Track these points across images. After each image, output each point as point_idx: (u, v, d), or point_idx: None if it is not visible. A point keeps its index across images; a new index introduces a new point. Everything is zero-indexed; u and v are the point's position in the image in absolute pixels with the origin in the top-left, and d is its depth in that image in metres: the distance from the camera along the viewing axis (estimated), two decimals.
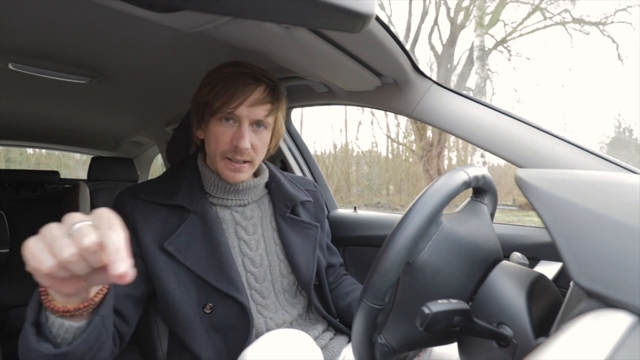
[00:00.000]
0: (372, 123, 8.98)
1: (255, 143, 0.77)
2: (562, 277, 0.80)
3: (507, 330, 0.46)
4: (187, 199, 0.77)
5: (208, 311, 0.74)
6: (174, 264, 0.73)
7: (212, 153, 0.79)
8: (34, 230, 0.39)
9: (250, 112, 0.75)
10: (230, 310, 0.74)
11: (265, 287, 0.81)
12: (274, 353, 0.61)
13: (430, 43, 7.60)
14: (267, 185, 0.89)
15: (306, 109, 3.11)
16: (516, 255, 0.62)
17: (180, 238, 0.74)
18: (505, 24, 7.31)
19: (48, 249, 0.37)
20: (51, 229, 0.38)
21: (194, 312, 0.73)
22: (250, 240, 0.82)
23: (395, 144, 7.58)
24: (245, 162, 0.77)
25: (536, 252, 0.88)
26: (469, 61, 7.35)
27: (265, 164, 0.93)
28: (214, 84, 0.75)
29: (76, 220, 0.38)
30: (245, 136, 0.74)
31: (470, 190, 0.60)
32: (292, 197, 0.88)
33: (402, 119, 7.11)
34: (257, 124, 0.77)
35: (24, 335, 0.49)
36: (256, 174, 0.89)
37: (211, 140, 0.77)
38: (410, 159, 7.28)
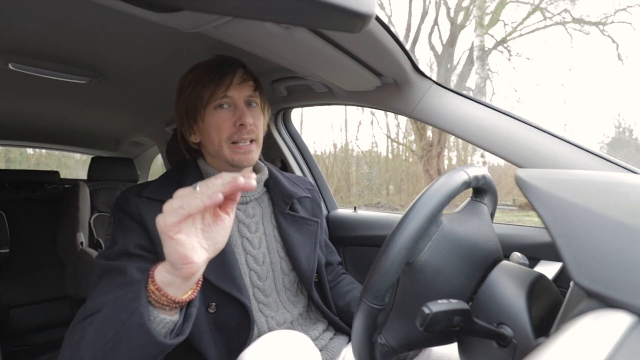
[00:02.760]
0: (372, 123, 8.99)
1: (255, 120, 0.80)
2: (562, 277, 0.80)
3: (507, 330, 0.46)
4: None
5: (212, 311, 0.74)
6: None
7: (215, 145, 0.79)
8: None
9: (241, 90, 0.79)
10: (233, 309, 0.74)
11: (267, 285, 0.81)
12: (272, 354, 0.61)
13: (430, 43, 7.61)
14: (266, 184, 0.90)
15: (306, 109, 3.11)
16: (516, 255, 0.62)
17: None
18: (505, 24, 7.32)
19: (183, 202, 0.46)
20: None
21: (199, 311, 0.73)
22: (253, 238, 0.82)
23: (395, 144, 7.59)
24: (251, 141, 0.79)
25: (536, 252, 0.88)
26: (469, 61, 7.35)
27: (263, 162, 0.93)
28: (194, 82, 0.79)
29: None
30: (246, 112, 0.78)
31: (470, 190, 0.60)
32: (290, 194, 0.89)
33: (402, 119, 7.11)
34: (250, 102, 0.81)
35: (131, 329, 0.50)
36: (256, 171, 0.89)
37: (212, 131, 0.78)
38: (410, 159, 7.28)
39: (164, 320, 0.52)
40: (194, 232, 0.49)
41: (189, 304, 0.56)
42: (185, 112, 0.81)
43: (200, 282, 0.55)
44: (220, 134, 0.77)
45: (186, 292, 0.52)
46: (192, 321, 0.55)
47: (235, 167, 0.80)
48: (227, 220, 0.52)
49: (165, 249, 0.48)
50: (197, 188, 0.46)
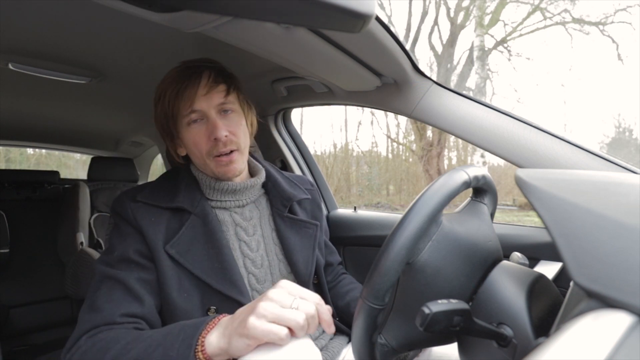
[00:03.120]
0: (372, 123, 8.98)
1: (231, 128, 0.76)
2: (562, 277, 0.80)
3: (507, 330, 0.46)
4: (188, 201, 0.77)
5: (211, 314, 0.73)
6: (176, 267, 0.72)
7: (199, 159, 0.78)
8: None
9: (209, 99, 0.74)
10: (232, 312, 0.74)
11: (266, 287, 0.81)
12: (273, 354, 0.61)
13: (430, 43, 7.61)
14: (264, 185, 0.89)
15: (306, 109, 3.11)
16: (516, 255, 0.62)
17: (181, 240, 0.73)
18: (505, 24, 7.32)
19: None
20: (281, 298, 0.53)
21: (197, 316, 0.72)
22: (251, 242, 0.82)
23: (395, 144, 7.59)
24: (232, 151, 0.76)
25: (536, 252, 0.88)
26: (469, 61, 7.35)
27: (261, 163, 0.92)
28: (162, 96, 0.76)
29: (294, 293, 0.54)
30: (218, 125, 0.74)
31: (470, 190, 0.60)
32: (289, 196, 0.88)
33: (402, 119, 7.11)
34: (223, 110, 0.76)
35: None
36: (252, 174, 0.89)
37: (191, 146, 0.77)
38: (410, 159, 7.28)
39: None
40: None
41: None
42: (163, 128, 0.79)
43: None
44: (199, 148, 0.76)
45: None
46: None
47: (224, 180, 0.80)
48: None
49: (236, 342, 0.51)
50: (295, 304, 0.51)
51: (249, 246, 0.81)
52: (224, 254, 0.74)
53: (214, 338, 0.53)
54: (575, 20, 6.93)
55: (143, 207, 0.75)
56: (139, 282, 0.69)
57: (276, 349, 0.62)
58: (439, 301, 0.41)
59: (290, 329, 0.51)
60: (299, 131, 1.48)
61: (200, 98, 0.73)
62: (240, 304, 0.73)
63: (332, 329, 0.54)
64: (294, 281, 0.85)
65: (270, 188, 0.89)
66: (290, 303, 0.52)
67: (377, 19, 0.65)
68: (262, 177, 0.87)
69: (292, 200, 0.88)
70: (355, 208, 1.41)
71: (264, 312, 0.50)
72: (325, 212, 1.43)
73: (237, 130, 0.77)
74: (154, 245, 0.71)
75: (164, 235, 0.73)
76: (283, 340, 0.49)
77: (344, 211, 1.42)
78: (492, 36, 7.32)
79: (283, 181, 0.91)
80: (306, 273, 0.83)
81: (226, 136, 0.74)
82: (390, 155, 7.60)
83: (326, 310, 0.54)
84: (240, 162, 0.79)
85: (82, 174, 2.57)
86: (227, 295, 0.72)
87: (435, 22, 7.49)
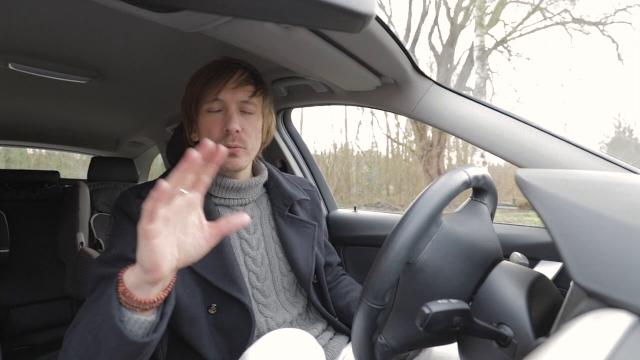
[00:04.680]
0: (372, 123, 8.98)
1: (245, 127, 0.77)
2: (562, 277, 0.80)
3: (507, 330, 0.46)
4: None
5: (213, 312, 0.74)
6: None
7: None
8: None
9: (234, 94, 0.77)
10: (233, 310, 0.74)
11: (266, 285, 0.81)
12: (276, 352, 0.61)
13: (430, 43, 7.61)
14: (266, 185, 0.90)
15: (306, 109, 3.11)
16: (516, 255, 0.62)
17: None
18: (505, 24, 7.32)
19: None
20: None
21: (199, 313, 0.73)
22: (252, 240, 0.82)
23: (395, 144, 7.59)
24: (238, 147, 0.77)
25: (536, 252, 0.88)
26: (469, 61, 7.35)
27: (264, 163, 0.93)
28: (194, 81, 0.79)
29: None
30: (234, 118, 0.75)
31: (470, 190, 0.60)
32: (290, 196, 0.89)
33: (402, 119, 7.11)
34: (244, 109, 0.78)
35: (105, 331, 0.50)
36: (255, 173, 0.89)
37: (204, 133, 0.78)
38: (410, 159, 7.28)
39: (139, 320, 0.51)
40: (168, 240, 0.48)
41: (165, 302, 0.54)
42: (185, 111, 0.81)
43: (172, 285, 0.54)
44: (210, 136, 0.77)
45: (157, 294, 0.51)
46: (166, 319, 0.54)
47: (222, 171, 0.80)
48: (205, 241, 0.52)
49: (139, 252, 0.47)
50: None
51: (250, 244, 0.81)
52: (225, 252, 0.75)
53: (127, 272, 0.51)
54: (575, 20, 6.94)
55: None
56: None
57: (280, 347, 0.62)
58: (439, 301, 0.41)
59: None
60: (299, 131, 1.48)
61: (227, 90, 0.76)
62: (241, 302, 0.73)
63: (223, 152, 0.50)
64: (295, 279, 0.85)
65: (272, 187, 0.89)
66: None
67: (377, 19, 0.65)
68: (264, 176, 0.88)
69: (293, 199, 0.89)
70: (355, 208, 1.41)
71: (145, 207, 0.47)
72: (325, 212, 1.43)
73: (250, 130, 0.79)
74: None
75: None
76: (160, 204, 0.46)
77: (344, 211, 1.42)
78: (492, 36, 7.33)
79: (284, 181, 0.92)
80: (306, 271, 0.84)
81: (237, 131, 0.75)
82: (390, 155, 7.60)
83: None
84: (244, 160, 0.80)
85: (82, 174, 2.57)
86: (227, 293, 0.73)
87: (435, 22, 7.49)
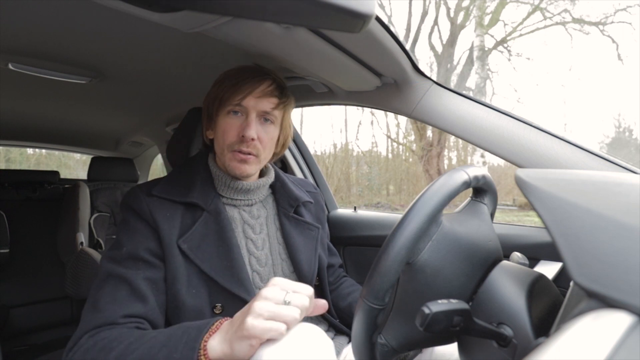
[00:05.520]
0: (372, 123, 8.99)
1: (261, 135, 0.78)
2: (562, 277, 0.80)
3: (507, 330, 0.46)
4: (202, 198, 0.78)
5: (218, 312, 0.74)
6: (186, 263, 0.72)
7: (220, 148, 0.80)
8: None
9: (257, 103, 0.77)
10: (237, 310, 0.74)
11: None
12: (287, 347, 0.61)
13: (430, 43, 7.61)
14: (272, 185, 0.90)
15: (306, 109, 3.11)
16: (516, 255, 0.62)
17: (193, 236, 0.74)
18: (505, 24, 7.33)
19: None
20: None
21: (204, 312, 0.73)
22: (257, 240, 0.82)
23: (395, 144, 7.59)
24: (250, 154, 0.78)
25: (536, 252, 0.88)
26: (469, 61, 7.35)
27: (270, 164, 0.93)
28: (222, 81, 0.79)
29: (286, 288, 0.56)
30: (252, 126, 0.76)
31: (470, 190, 0.60)
32: (296, 197, 0.89)
33: (402, 119, 7.12)
34: (265, 118, 0.79)
35: None
36: (262, 174, 0.90)
37: (219, 134, 0.79)
38: (410, 159, 7.28)
39: None
40: None
41: None
42: (207, 107, 0.82)
43: None
44: (225, 138, 0.77)
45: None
46: None
47: (231, 175, 0.81)
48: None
49: (238, 345, 0.52)
50: (288, 299, 0.53)
51: (255, 244, 0.82)
52: (233, 252, 0.75)
53: (216, 343, 0.54)
54: (575, 20, 6.94)
55: (158, 201, 0.75)
56: (145, 281, 0.69)
57: (290, 340, 0.62)
58: (439, 301, 0.41)
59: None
60: (299, 131, 1.48)
61: (252, 98, 0.76)
62: (246, 303, 0.73)
63: (326, 306, 0.60)
64: (296, 281, 0.85)
65: (278, 188, 0.90)
66: (283, 298, 0.53)
67: (377, 19, 0.65)
68: (271, 177, 0.89)
69: (298, 201, 0.89)
70: (355, 208, 1.41)
71: (260, 311, 0.51)
72: (325, 212, 1.43)
73: (266, 140, 0.79)
74: (167, 241, 0.72)
75: (179, 230, 0.74)
76: (283, 335, 0.52)
77: (344, 211, 1.42)
78: (492, 36, 7.33)
79: (289, 183, 0.93)
80: (309, 273, 0.84)
81: (253, 139, 0.76)
82: (390, 155, 7.61)
83: (320, 300, 0.58)
84: (254, 167, 0.80)
85: (82, 174, 2.57)
86: (234, 294, 0.73)
87: (435, 22, 7.49)
